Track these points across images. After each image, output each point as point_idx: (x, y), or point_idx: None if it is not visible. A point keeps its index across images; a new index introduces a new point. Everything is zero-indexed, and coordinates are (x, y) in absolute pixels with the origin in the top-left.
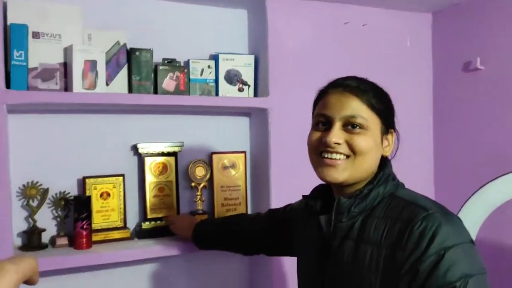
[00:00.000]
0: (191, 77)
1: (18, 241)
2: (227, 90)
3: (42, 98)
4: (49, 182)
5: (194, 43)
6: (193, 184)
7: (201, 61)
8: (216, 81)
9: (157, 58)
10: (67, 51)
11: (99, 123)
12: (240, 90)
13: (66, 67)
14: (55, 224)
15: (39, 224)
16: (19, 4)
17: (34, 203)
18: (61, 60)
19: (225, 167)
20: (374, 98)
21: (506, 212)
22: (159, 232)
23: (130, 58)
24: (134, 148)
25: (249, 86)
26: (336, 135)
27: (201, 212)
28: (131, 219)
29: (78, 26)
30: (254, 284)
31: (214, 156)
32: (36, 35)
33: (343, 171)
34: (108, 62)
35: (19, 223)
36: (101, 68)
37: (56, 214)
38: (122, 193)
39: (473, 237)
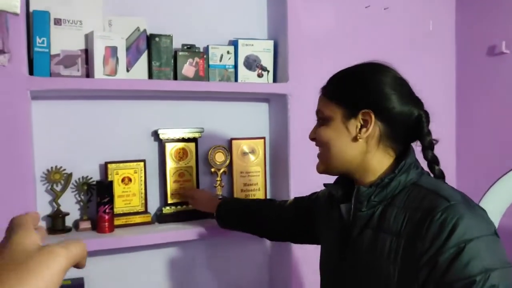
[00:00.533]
0: (211, 63)
1: (43, 225)
2: (246, 76)
3: (64, 85)
4: (72, 167)
5: (213, 29)
6: (212, 169)
7: (220, 47)
8: (236, 66)
9: (176, 44)
10: (88, 38)
11: (120, 109)
12: (260, 75)
13: (87, 54)
14: (78, 208)
15: (63, 208)
16: None
17: (58, 188)
18: (83, 46)
19: (244, 153)
20: (332, 87)
21: None
22: (179, 217)
23: (150, 44)
24: (155, 134)
25: (268, 71)
26: (311, 132)
27: (220, 197)
28: (152, 204)
29: (98, 13)
30: (273, 270)
31: (234, 142)
32: (57, 21)
33: (321, 163)
34: (128, 48)
35: (44, 207)
36: (122, 54)
37: (79, 199)
38: (143, 178)
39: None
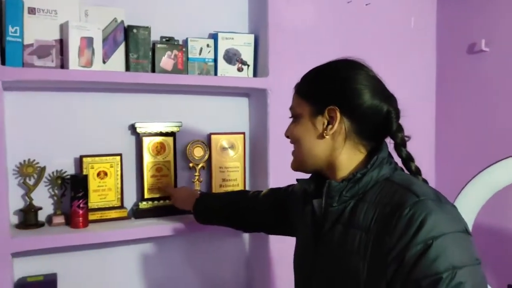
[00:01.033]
0: (190, 56)
1: (15, 219)
2: (226, 69)
3: (37, 75)
4: (46, 161)
5: (193, 21)
6: (191, 164)
7: (200, 40)
8: (215, 60)
9: (155, 36)
10: (63, 28)
11: (96, 102)
12: (239, 70)
13: (62, 44)
14: (52, 202)
15: (36, 203)
16: None
17: (31, 182)
18: (57, 37)
19: (223, 148)
20: (301, 85)
21: (508, 196)
22: (156, 212)
23: (127, 36)
24: (132, 128)
25: (248, 66)
26: (286, 129)
27: (199, 192)
28: (129, 199)
29: (74, 2)
30: (251, 263)
31: (213, 137)
32: (31, 10)
33: (294, 160)
34: (105, 40)
35: (16, 201)
36: (98, 45)
37: (52, 193)
38: (119, 173)
39: (472, 220)
